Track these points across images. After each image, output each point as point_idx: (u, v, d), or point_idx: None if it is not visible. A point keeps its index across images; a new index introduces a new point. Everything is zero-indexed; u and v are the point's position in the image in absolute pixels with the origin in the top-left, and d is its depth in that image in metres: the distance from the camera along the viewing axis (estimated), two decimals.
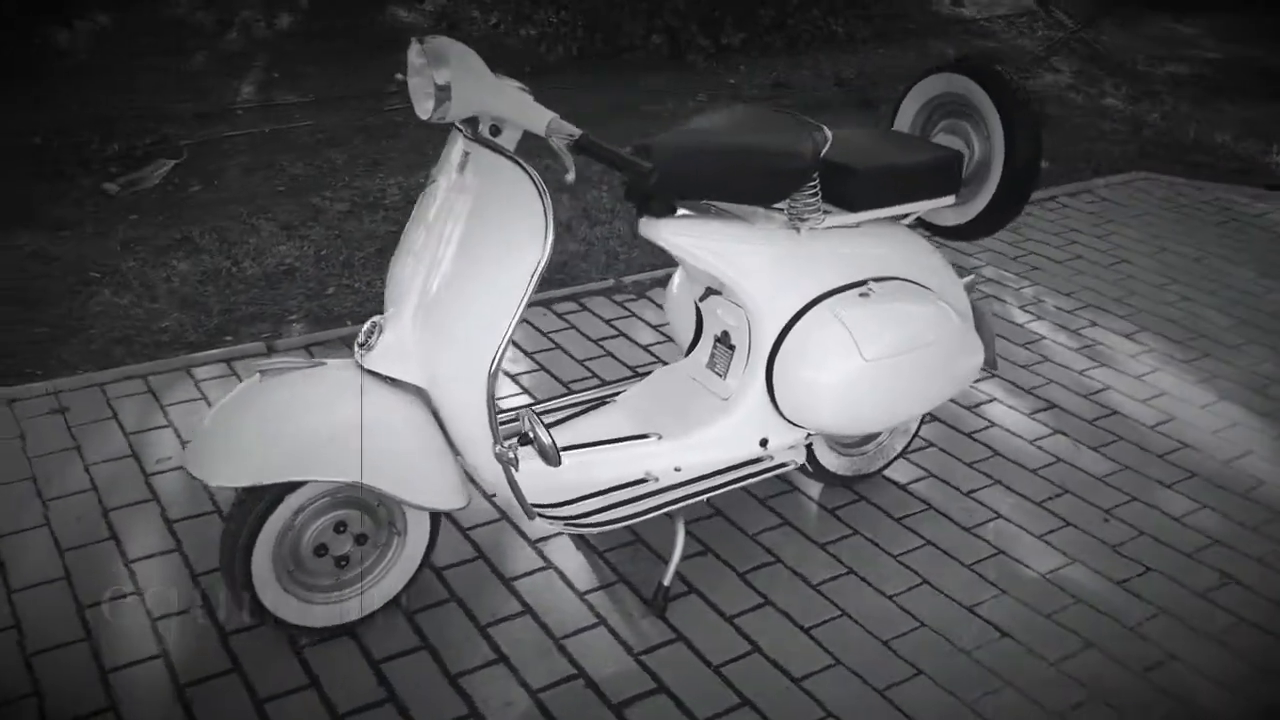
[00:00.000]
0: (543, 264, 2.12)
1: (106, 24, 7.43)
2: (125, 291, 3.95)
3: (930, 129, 2.84)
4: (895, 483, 2.99)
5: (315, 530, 2.27)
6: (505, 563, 2.64)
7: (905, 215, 2.71)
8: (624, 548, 2.70)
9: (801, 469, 2.78)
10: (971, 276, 2.93)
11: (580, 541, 2.70)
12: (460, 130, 2.21)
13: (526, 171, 2.12)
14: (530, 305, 2.31)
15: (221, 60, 6.92)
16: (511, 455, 2.19)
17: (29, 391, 3.23)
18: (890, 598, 2.58)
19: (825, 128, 2.51)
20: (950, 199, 2.67)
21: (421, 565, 2.42)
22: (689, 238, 2.43)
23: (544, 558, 2.66)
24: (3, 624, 2.39)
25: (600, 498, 2.45)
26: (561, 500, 2.42)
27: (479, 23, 7.31)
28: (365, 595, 2.38)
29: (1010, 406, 3.38)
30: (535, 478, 2.40)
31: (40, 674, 2.26)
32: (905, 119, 2.88)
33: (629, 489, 2.48)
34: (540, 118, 2.07)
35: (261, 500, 2.17)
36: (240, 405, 2.16)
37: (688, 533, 2.60)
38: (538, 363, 3.51)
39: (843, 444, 2.88)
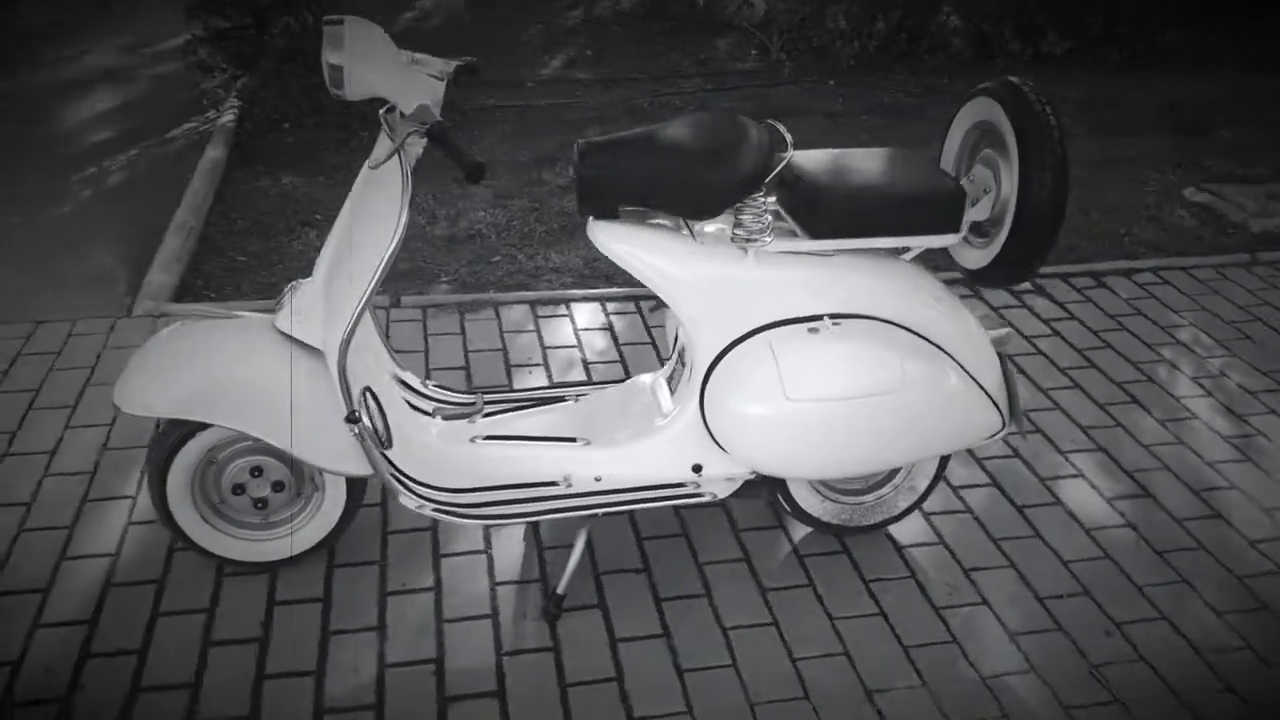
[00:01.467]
0: (389, 252, 2.16)
1: None
2: (304, 238, 4.36)
3: (972, 160, 2.54)
4: (894, 541, 2.74)
5: (233, 470, 2.46)
6: (448, 534, 2.71)
7: (904, 249, 2.46)
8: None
9: (783, 508, 2.64)
10: (1006, 330, 2.59)
11: (531, 533, 2.70)
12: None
13: (400, 162, 2.16)
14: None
15: (552, 34, 7.34)
16: (358, 430, 2.25)
17: (181, 310, 3.66)
18: (794, 660, 2.39)
19: (788, 141, 2.34)
20: (950, 237, 2.38)
21: (341, 522, 2.53)
22: (626, 245, 2.35)
23: (487, 543, 2.69)
24: None
25: (504, 491, 2.45)
26: (461, 486, 2.45)
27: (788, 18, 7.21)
28: (287, 539, 2.53)
29: (1094, 485, 2.96)
30: (437, 458, 2.45)
31: None
32: (952, 147, 2.60)
33: (536, 489, 2.46)
34: (410, 102, 2.10)
35: (174, 434, 2.39)
36: (162, 345, 2.38)
37: (642, 546, 2.55)
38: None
39: (830, 488, 2.67)
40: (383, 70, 2.15)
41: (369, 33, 2.17)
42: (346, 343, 2.21)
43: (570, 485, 2.47)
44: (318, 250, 3.58)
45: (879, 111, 5.89)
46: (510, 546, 2.68)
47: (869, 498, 2.71)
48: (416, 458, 2.44)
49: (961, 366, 2.42)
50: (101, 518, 2.73)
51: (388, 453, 2.36)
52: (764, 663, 2.38)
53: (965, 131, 2.55)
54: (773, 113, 5.62)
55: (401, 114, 2.11)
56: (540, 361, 3.45)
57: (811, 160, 2.43)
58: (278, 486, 2.50)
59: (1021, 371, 3.47)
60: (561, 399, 2.73)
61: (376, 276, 2.19)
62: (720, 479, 2.49)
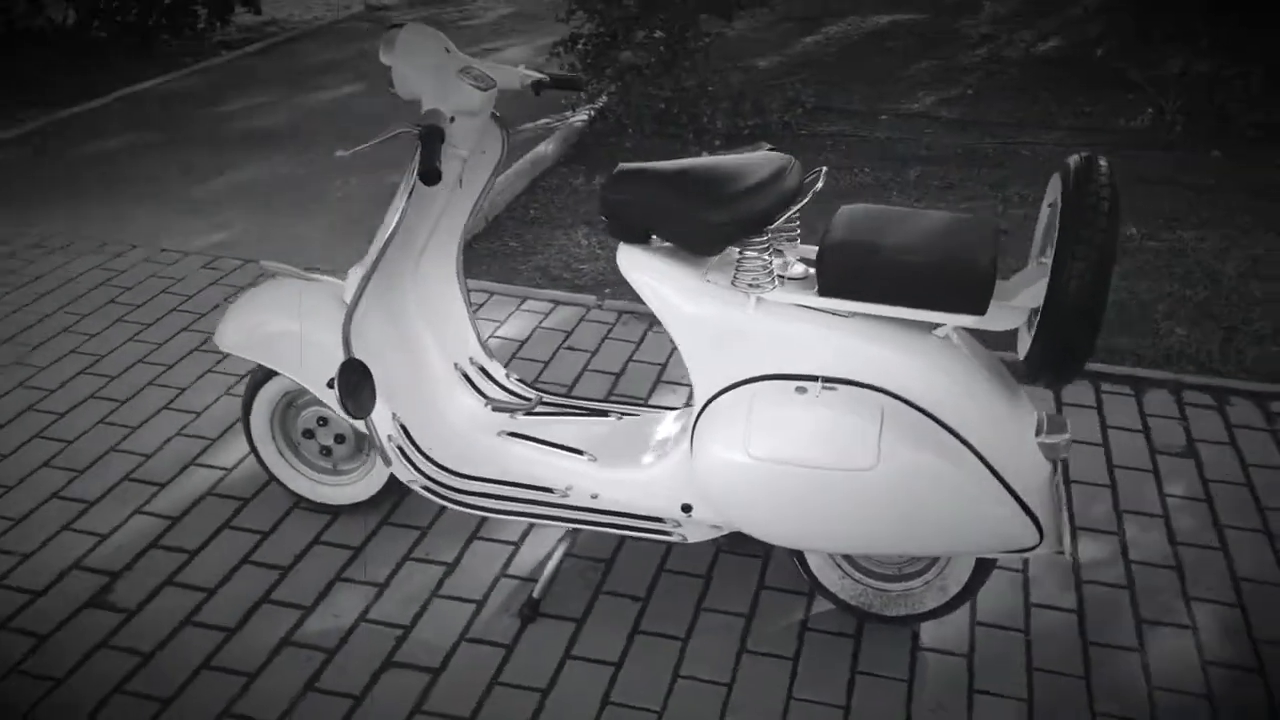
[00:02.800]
0: (386, 234, 2.33)
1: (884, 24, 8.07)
2: (574, 236, 4.64)
3: (1047, 241, 2.28)
4: (916, 639, 2.51)
5: (305, 416, 2.76)
6: (495, 520, 2.85)
7: (936, 324, 2.26)
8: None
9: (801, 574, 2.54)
10: (1065, 437, 2.28)
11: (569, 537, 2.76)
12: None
13: (415, 159, 2.33)
14: None
15: (942, 70, 7.14)
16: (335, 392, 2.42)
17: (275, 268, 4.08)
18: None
19: (808, 188, 2.25)
20: (971, 318, 2.15)
21: (390, 485, 2.75)
22: (640, 273, 2.36)
23: (522, 537, 2.80)
24: None
25: (503, 487, 2.56)
26: (467, 472, 2.58)
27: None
28: (343, 489, 2.81)
29: (1201, 644, 2.52)
30: (459, 441, 2.60)
31: None
32: (1040, 227, 2.34)
33: (534, 491, 2.54)
34: (431, 104, 2.26)
35: (259, 373, 2.73)
36: (252, 296, 2.72)
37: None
38: None
39: (855, 565, 2.52)
40: (423, 74, 2.32)
41: (424, 39, 2.36)
42: (350, 313, 2.39)
43: (567, 496, 2.52)
44: (582, 247, 3.86)
45: (1263, 192, 5.17)
46: (542, 544, 2.76)
47: (896, 587, 2.51)
48: (439, 435, 2.59)
49: (984, 461, 2.18)
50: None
51: (406, 423, 2.53)
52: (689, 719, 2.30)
53: (1045, 210, 2.29)
54: (1134, 179, 5.15)
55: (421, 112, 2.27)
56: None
57: (854, 214, 2.30)
58: (339, 438, 2.77)
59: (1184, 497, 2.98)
60: (607, 414, 2.76)
61: (373, 256, 2.36)
62: (706, 524, 2.42)
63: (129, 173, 5.17)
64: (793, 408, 2.21)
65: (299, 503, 2.87)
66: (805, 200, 2.29)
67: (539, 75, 2.64)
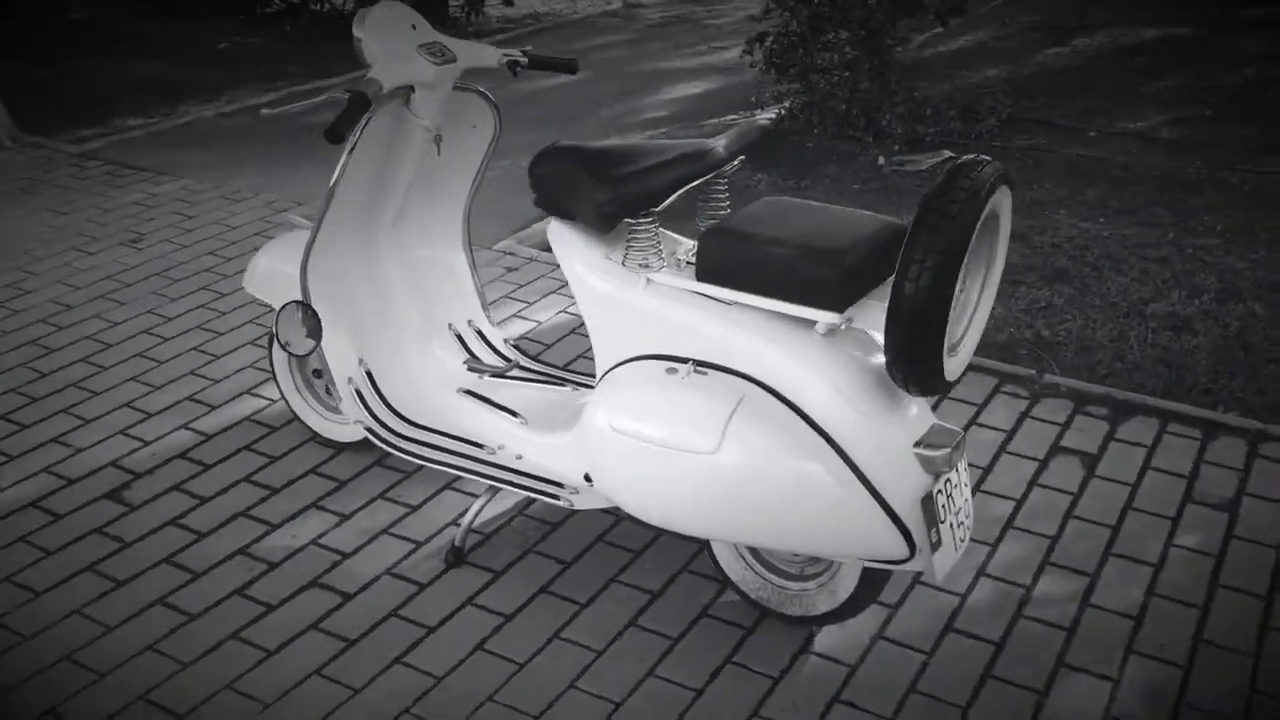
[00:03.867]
0: (330, 188, 2.54)
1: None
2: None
3: None
4: (810, 643, 2.47)
5: (313, 357, 3.05)
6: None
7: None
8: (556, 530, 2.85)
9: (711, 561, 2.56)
10: (943, 452, 2.18)
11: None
12: None
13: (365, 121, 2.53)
14: None
15: (1188, 90, 6.62)
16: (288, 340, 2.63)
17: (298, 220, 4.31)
18: (571, 689, 2.36)
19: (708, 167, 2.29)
20: (827, 315, 2.12)
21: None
22: (557, 247, 2.45)
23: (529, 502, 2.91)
24: None
25: (444, 439, 2.73)
26: (418, 422, 2.76)
27: None
28: (344, 427, 3.07)
29: (1117, 707, 2.33)
30: (414, 391, 2.79)
31: None
32: None
33: (467, 446, 2.69)
34: (377, 74, 2.46)
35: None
36: (272, 244, 3.02)
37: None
38: None
39: (758, 558, 2.52)
40: (381, 47, 2.52)
41: (391, 15, 2.56)
42: (302, 263, 2.62)
43: (494, 454, 2.66)
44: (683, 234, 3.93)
45: None
46: (505, 500, 2.89)
47: (794, 586, 2.48)
48: (403, 384, 2.79)
49: (849, 462, 2.14)
50: None
51: (372, 369, 2.74)
52: (541, 678, 2.38)
53: None
54: None
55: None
56: None
57: (763, 205, 2.33)
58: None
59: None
60: (564, 383, 2.86)
61: (323, 209, 2.57)
62: (601, 495, 2.49)
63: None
64: (658, 387, 2.25)
65: (314, 437, 3.14)
66: (696, 184, 2.31)
67: (517, 55, 2.77)
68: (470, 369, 2.90)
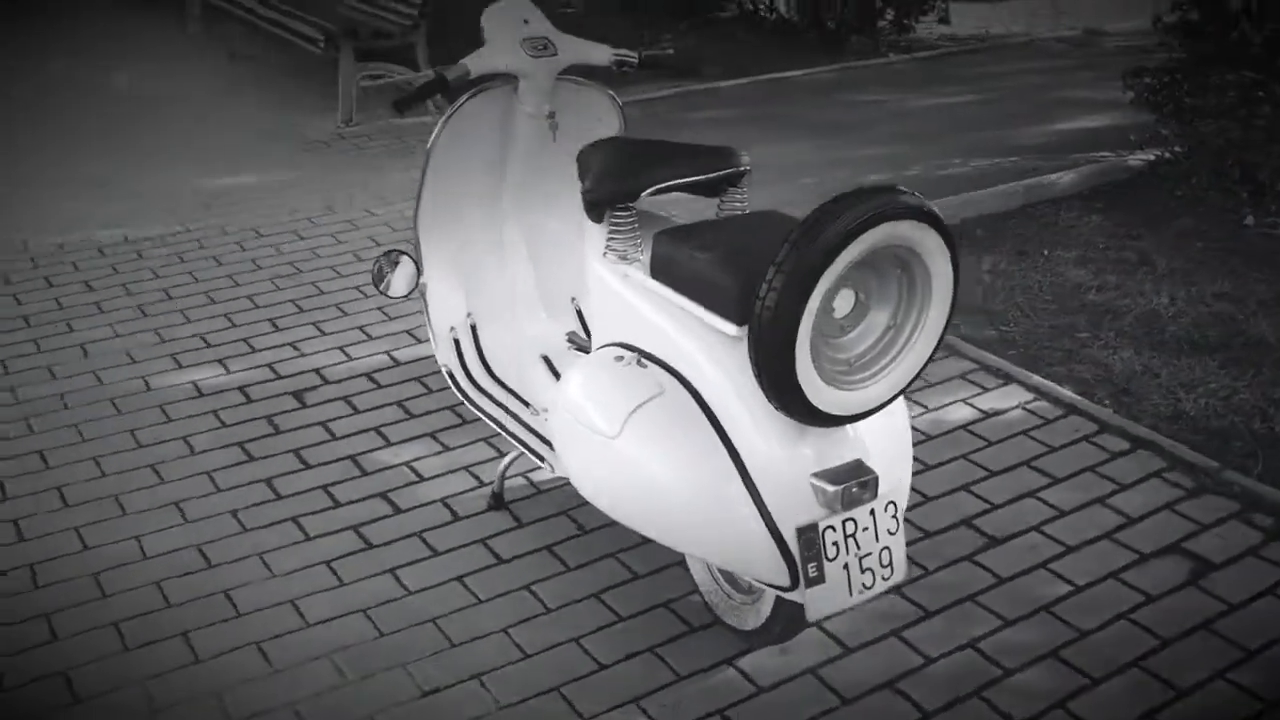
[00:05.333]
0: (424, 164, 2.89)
1: None
2: (996, 266, 4.55)
3: None
4: (740, 665, 2.49)
5: None
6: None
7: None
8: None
9: None
10: (838, 489, 2.13)
11: None
12: None
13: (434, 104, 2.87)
14: None
15: None
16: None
17: None
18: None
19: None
20: (727, 325, 2.16)
21: None
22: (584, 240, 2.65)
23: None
24: None
25: (507, 395, 3.01)
26: (498, 377, 3.08)
27: None
28: None
29: None
30: (505, 350, 3.10)
31: None
32: None
33: (519, 405, 2.96)
34: (468, 60, 2.79)
35: None
36: None
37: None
38: None
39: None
40: (491, 37, 2.85)
41: (510, 9, 2.87)
42: (415, 213, 3.00)
43: (536, 415, 2.90)
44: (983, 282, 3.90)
45: None
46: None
47: (737, 598, 2.50)
48: (500, 343, 3.11)
49: (746, 478, 2.18)
50: None
51: (478, 323, 3.07)
52: (484, 617, 2.60)
53: None
54: None
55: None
56: None
57: (746, 216, 2.42)
58: None
59: None
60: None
61: (423, 168, 2.92)
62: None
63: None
64: (597, 370, 2.39)
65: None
66: (678, 184, 2.40)
67: (627, 54, 2.95)
68: (569, 340, 3.14)
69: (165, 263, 4.47)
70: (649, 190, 2.41)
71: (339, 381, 3.60)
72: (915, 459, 3.08)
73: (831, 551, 2.15)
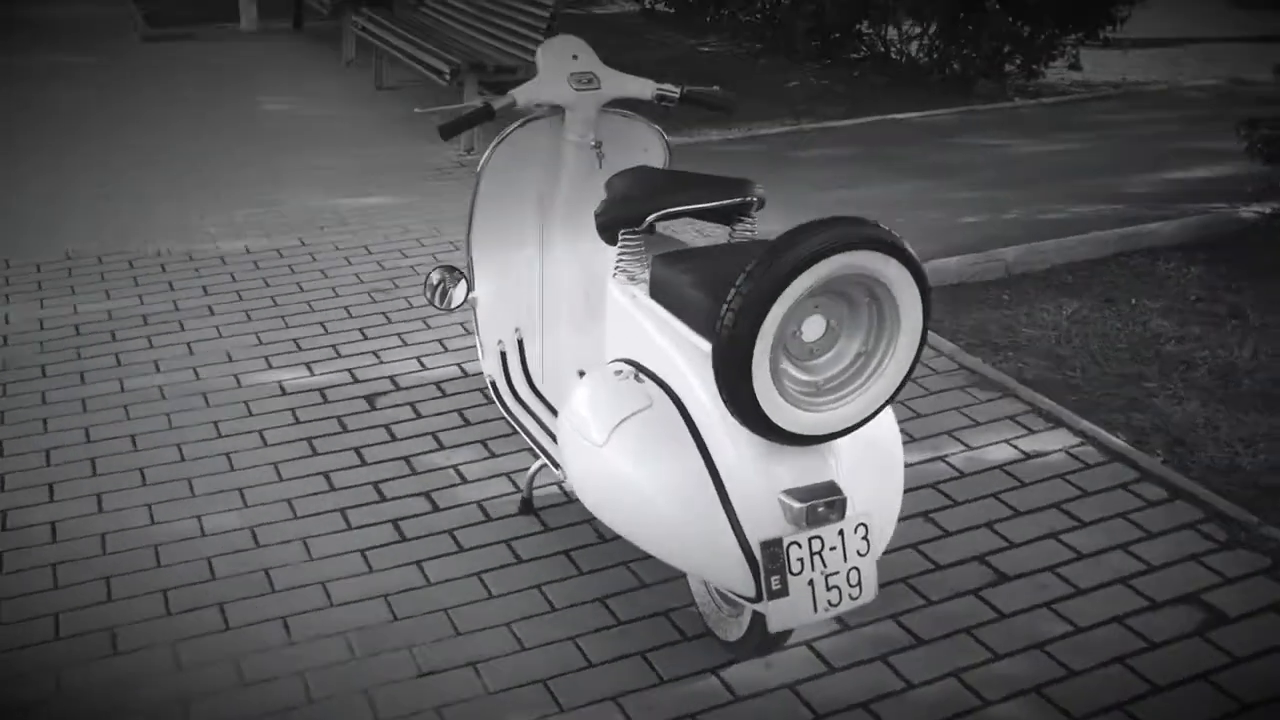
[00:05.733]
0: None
1: None
2: (1063, 308, 4.52)
3: None
4: (722, 675, 2.59)
5: None
6: None
7: None
8: None
9: None
10: (803, 506, 2.22)
11: None
12: None
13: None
14: None
15: None
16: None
17: None
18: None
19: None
20: (705, 344, 2.29)
21: None
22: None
23: None
24: None
25: (544, 410, 3.18)
26: (538, 391, 3.25)
27: None
28: None
29: None
30: (548, 366, 3.28)
31: None
32: None
33: (551, 417, 3.12)
34: (515, 91, 2.99)
35: None
36: None
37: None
38: None
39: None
40: (541, 70, 3.04)
41: (561, 45, 3.07)
42: (467, 234, 3.20)
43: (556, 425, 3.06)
44: (1043, 324, 4.02)
45: None
46: None
47: (725, 609, 2.60)
48: (545, 358, 3.29)
49: (720, 490, 2.31)
50: None
51: (525, 338, 3.26)
52: (493, 611, 2.77)
53: None
54: None
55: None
56: None
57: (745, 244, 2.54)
58: None
59: None
60: None
61: (474, 191, 3.12)
62: None
63: (814, 178, 6.12)
64: (598, 382, 2.54)
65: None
66: (682, 211, 2.53)
67: (670, 90, 3.10)
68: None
69: (277, 273, 4.81)
70: (653, 216, 2.55)
71: (409, 389, 3.84)
72: (942, 494, 3.14)
73: (796, 566, 2.24)
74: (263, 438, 3.54)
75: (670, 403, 2.39)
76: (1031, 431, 3.53)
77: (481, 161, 3.08)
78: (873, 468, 2.45)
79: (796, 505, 2.21)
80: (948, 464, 3.36)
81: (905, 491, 3.09)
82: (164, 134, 6.87)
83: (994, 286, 4.73)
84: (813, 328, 2.19)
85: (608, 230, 2.65)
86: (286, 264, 4.90)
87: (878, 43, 8.66)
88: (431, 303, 3.22)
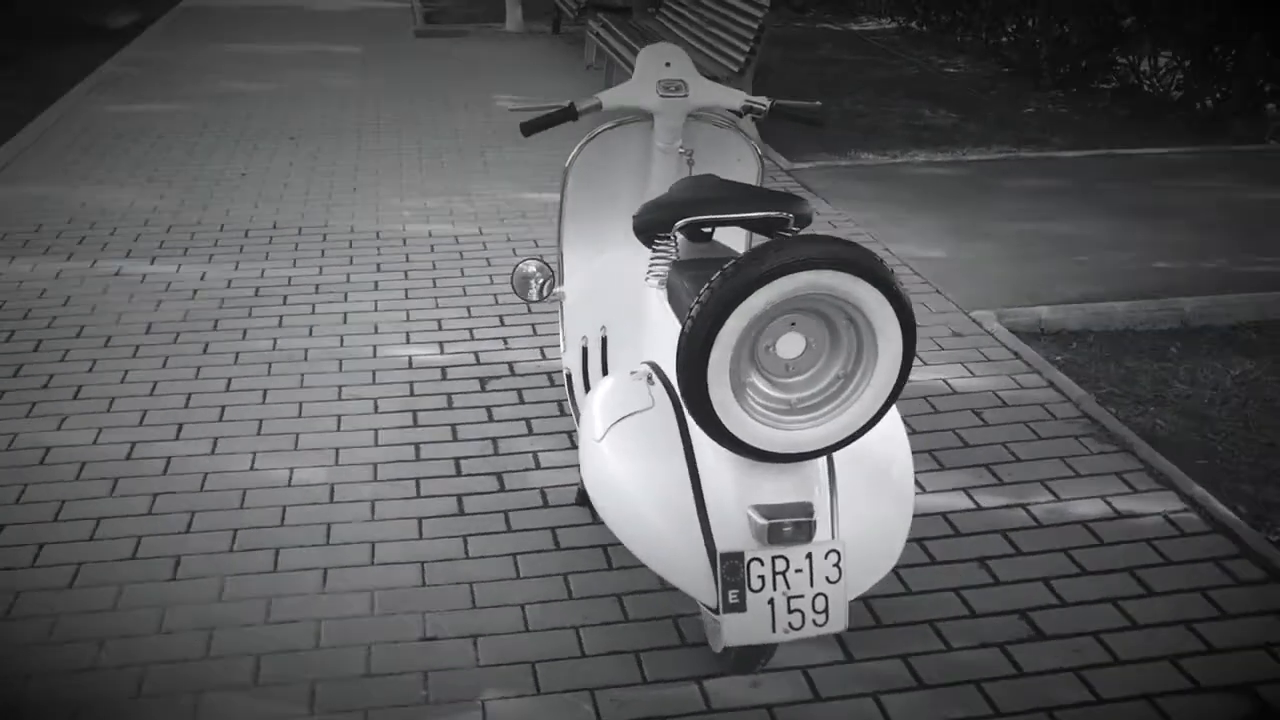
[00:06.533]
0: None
1: None
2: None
3: None
4: (704, 692, 2.60)
5: None
6: None
7: None
8: None
9: None
10: (766, 523, 2.21)
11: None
12: None
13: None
14: None
15: None
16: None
17: None
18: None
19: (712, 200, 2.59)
20: None
21: None
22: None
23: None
24: None
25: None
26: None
27: None
28: None
29: None
30: (621, 362, 3.35)
31: None
32: None
33: None
34: (599, 95, 3.08)
35: None
36: None
37: None
38: None
39: None
40: (635, 76, 3.12)
41: (655, 53, 3.13)
42: (558, 228, 3.31)
43: None
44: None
45: None
46: None
47: (715, 622, 2.60)
48: (622, 353, 3.36)
49: (699, 498, 2.34)
50: None
51: (609, 335, 3.34)
52: (509, 591, 2.87)
53: None
54: None
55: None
56: None
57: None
58: None
59: None
60: None
61: (561, 186, 3.22)
62: None
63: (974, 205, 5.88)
64: (615, 382, 2.60)
65: None
66: (710, 220, 2.56)
67: (760, 103, 3.09)
68: None
69: (447, 258, 5.10)
70: (681, 223, 2.58)
71: (522, 375, 4.00)
72: (1007, 541, 3.04)
73: (756, 584, 2.23)
74: (375, 405, 3.79)
75: (672, 407, 2.42)
76: (1134, 490, 3.30)
77: (569, 158, 3.19)
78: (871, 497, 2.39)
79: (760, 521, 2.19)
80: (1027, 512, 3.19)
81: (968, 535, 3.02)
82: (397, 119, 7.38)
83: (1163, 337, 4.43)
84: (789, 345, 2.17)
85: (640, 234, 2.70)
86: (458, 250, 5.18)
87: (1130, 73, 8.18)
88: (516, 293, 3.35)
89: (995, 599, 2.83)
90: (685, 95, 3.06)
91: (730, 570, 2.21)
